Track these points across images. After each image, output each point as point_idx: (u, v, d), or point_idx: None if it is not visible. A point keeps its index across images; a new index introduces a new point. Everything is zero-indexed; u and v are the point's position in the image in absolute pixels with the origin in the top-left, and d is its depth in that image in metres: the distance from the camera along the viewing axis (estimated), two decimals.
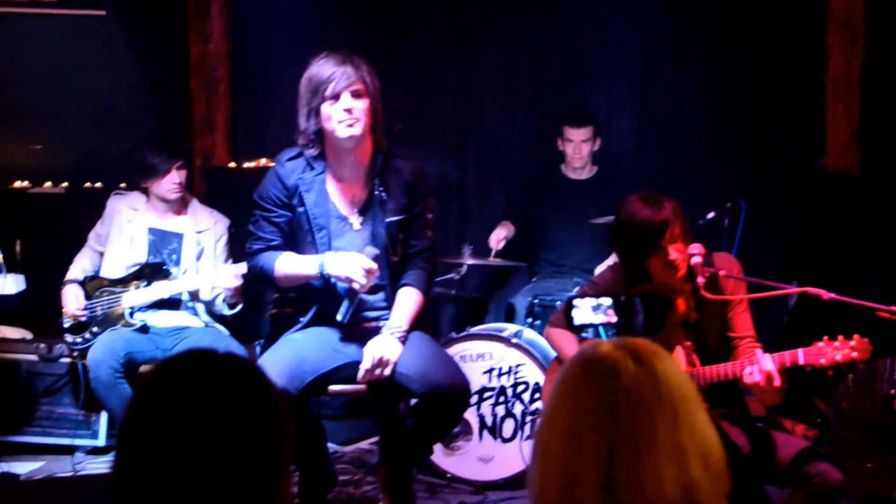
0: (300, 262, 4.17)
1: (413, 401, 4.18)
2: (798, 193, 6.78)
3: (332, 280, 4.09)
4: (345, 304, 4.06)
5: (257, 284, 4.25)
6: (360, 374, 4.04)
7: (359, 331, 4.20)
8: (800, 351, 3.78)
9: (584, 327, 3.45)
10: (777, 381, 3.78)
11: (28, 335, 6.33)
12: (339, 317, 4.07)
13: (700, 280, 3.95)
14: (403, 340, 4.09)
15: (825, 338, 3.75)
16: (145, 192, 5.89)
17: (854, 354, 3.71)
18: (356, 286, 4.01)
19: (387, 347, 4.03)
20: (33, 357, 6.14)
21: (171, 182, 5.75)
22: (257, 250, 4.27)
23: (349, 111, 4.04)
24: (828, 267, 6.27)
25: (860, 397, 5.10)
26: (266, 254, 4.24)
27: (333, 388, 4.15)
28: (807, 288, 3.93)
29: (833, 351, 3.73)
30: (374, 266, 4.02)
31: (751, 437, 3.91)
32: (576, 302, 3.46)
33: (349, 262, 4.02)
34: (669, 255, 3.96)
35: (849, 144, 6.82)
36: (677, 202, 4.02)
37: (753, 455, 3.87)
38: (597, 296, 3.39)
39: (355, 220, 4.23)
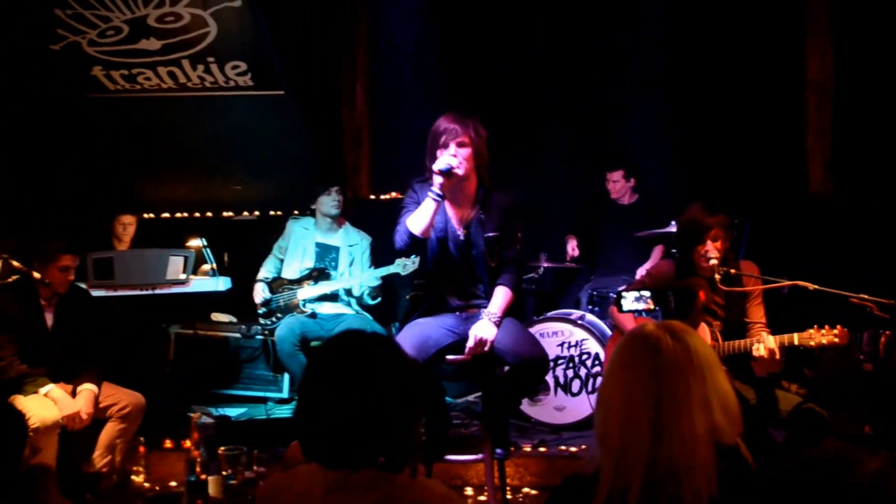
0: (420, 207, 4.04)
1: (506, 368, 4.13)
2: (788, 211, 6.64)
3: (441, 169, 3.93)
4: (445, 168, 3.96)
5: (408, 248, 4.12)
6: (466, 350, 4.01)
7: (467, 315, 4.18)
8: (795, 334, 3.73)
9: (632, 312, 3.42)
10: (777, 356, 3.73)
11: (234, 319, 6.46)
12: (436, 167, 3.95)
13: (717, 277, 3.89)
14: (498, 324, 4.02)
15: (815, 326, 3.69)
16: (314, 214, 6.01)
17: (836, 339, 3.66)
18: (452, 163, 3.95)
19: (485, 330, 3.98)
20: (237, 335, 6.28)
21: (332, 200, 5.91)
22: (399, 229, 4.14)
23: (454, 157, 3.99)
24: (811, 265, 6.13)
25: (839, 363, 5.00)
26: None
27: (449, 357, 4.12)
28: (797, 281, 3.84)
29: (821, 336, 3.68)
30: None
31: (758, 392, 3.85)
32: (623, 294, 3.43)
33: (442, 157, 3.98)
34: (706, 247, 3.90)
35: (824, 175, 6.69)
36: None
37: (760, 406, 3.81)
38: (653, 284, 3.37)
39: (462, 233, 4.17)
